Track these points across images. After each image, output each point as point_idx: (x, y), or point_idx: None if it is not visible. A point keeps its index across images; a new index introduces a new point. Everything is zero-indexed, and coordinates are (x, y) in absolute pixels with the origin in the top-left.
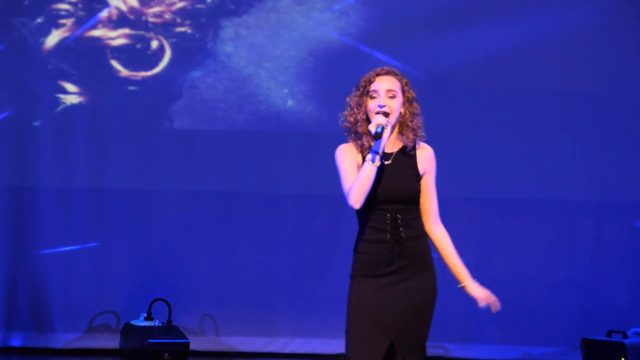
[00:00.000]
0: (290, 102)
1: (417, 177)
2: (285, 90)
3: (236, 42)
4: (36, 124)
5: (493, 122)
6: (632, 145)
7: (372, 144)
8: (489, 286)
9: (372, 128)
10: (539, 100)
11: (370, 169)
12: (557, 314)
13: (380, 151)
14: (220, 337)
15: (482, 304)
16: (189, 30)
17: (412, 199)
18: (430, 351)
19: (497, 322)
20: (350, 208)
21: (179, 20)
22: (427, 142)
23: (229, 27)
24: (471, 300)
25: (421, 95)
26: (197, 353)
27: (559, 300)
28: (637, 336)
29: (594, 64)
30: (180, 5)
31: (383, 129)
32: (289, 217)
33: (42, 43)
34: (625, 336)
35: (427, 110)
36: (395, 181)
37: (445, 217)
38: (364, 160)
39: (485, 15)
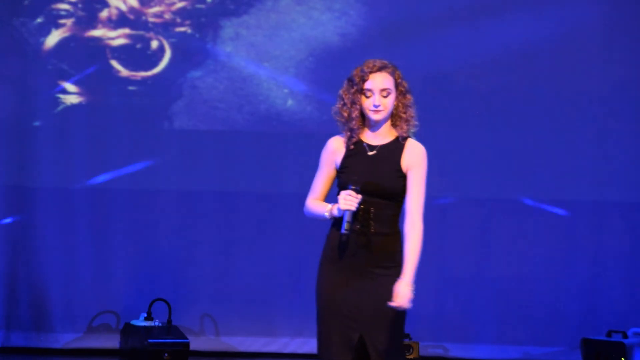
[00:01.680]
0: (290, 102)
1: (399, 173)
2: (285, 90)
3: (236, 42)
4: (36, 124)
5: (493, 122)
6: (632, 145)
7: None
8: (489, 286)
9: (344, 228)
10: (539, 100)
11: (321, 214)
12: (557, 314)
13: (343, 229)
14: (220, 337)
15: (394, 298)
16: (189, 30)
17: (390, 195)
18: (430, 351)
19: (497, 322)
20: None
21: (179, 20)
22: (427, 142)
23: (229, 27)
24: (471, 301)
25: (421, 95)
26: (197, 353)
27: (559, 300)
28: (637, 336)
29: (594, 64)
30: (180, 5)
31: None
32: (289, 217)
33: (42, 43)
34: (625, 336)
35: (427, 110)
36: (374, 174)
37: (446, 217)
38: (346, 151)
39: (485, 16)
